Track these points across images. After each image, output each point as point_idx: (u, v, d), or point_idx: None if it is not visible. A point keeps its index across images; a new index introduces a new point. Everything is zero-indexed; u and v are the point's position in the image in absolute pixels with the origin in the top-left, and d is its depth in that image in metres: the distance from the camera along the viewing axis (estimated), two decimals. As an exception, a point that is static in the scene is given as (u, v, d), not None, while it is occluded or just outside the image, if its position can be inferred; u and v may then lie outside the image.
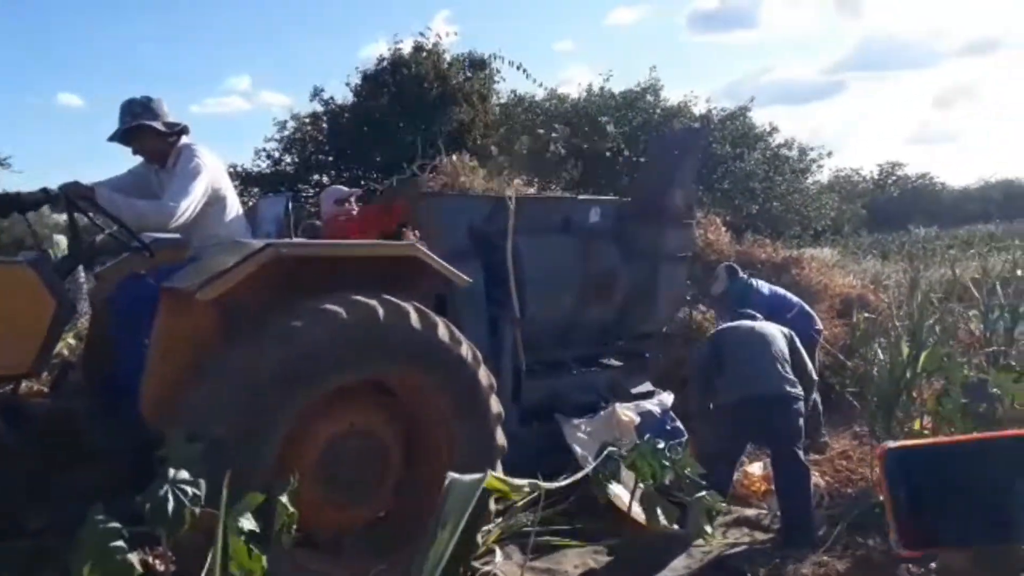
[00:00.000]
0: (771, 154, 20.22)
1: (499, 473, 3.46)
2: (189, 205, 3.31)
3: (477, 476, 1.39)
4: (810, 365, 4.88)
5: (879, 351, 5.54)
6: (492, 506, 3.57)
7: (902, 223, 24.47)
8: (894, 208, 29.55)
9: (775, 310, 6.25)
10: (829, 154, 23.09)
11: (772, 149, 20.46)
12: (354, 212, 4.97)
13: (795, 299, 6.59)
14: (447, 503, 1.35)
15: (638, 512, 3.91)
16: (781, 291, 6.70)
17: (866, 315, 7.00)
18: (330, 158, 18.15)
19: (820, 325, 6.59)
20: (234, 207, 3.66)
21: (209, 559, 2.24)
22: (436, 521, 1.33)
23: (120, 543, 2.35)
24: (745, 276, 6.67)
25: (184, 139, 3.55)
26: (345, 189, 5.53)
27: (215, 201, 3.51)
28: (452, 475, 1.43)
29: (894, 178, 34.73)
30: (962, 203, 31.14)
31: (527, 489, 1.63)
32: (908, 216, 26.41)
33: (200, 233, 3.52)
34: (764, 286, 6.63)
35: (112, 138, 3.53)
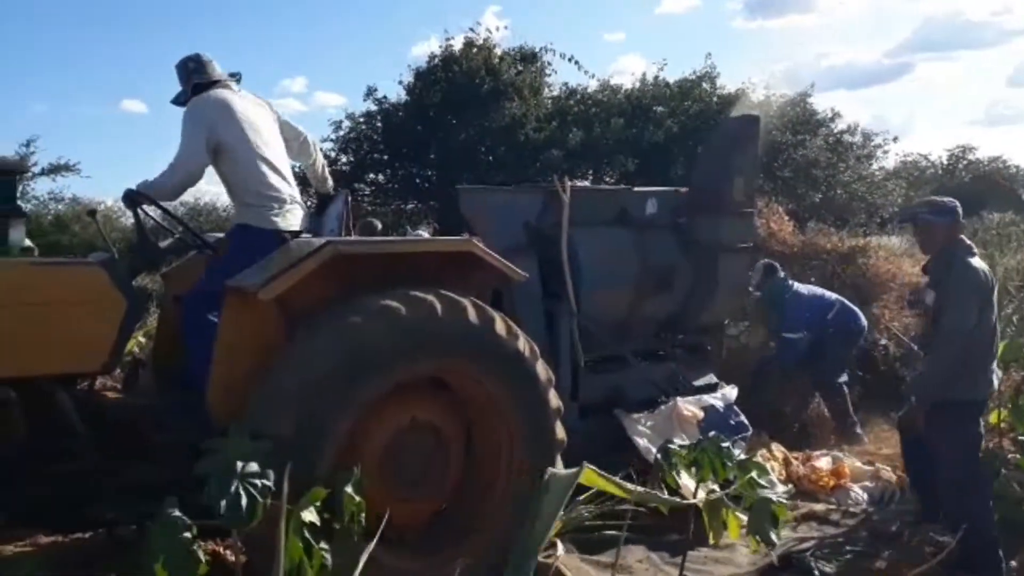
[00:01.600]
0: (834, 140, 19.63)
1: (559, 466, 3.45)
2: (182, 160, 3.50)
3: (575, 470, 1.39)
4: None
5: (952, 341, 5.31)
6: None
7: (975, 209, 23.49)
8: (966, 193, 28.42)
9: (815, 311, 6.16)
10: (895, 139, 22.33)
11: (835, 135, 19.85)
12: None
13: (834, 296, 6.52)
14: (546, 495, 1.35)
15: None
16: (819, 290, 6.63)
17: (937, 304, 6.73)
18: (385, 156, 18.34)
19: (864, 321, 6.47)
20: (245, 155, 3.59)
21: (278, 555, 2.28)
22: (533, 512, 1.34)
23: (189, 535, 2.40)
24: (783, 275, 6.52)
25: (206, 94, 3.64)
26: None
27: (221, 152, 3.57)
28: (552, 470, 1.44)
29: (965, 162, 33.35)
30: (1039, 186, 29.77)
31: (626, 488, 1.61)
32: (981, 201, 25.32)
33: (228, 190, 3.73)
34: (803, 288, 6.56)
35: (176, 101, 3.75)
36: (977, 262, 3.88)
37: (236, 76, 3.87)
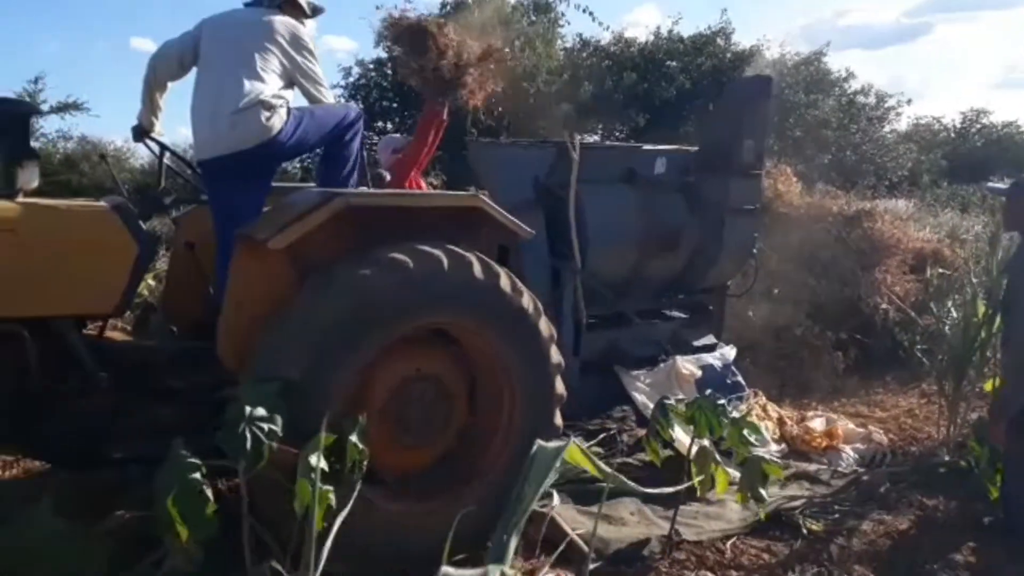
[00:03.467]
0: (847, 101, 19.38)
1: (558, 421, 3.54)
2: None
3: (559, 445, 1.47)
4: None
5: (952, 309, 5.37)
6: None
7: (985, 174, 23.30)
8: (977, 158, 28.08)
9: None
10: (908, 101, 22.03)
11: (848, 96, 19.60)
12: None
13: None
14: (532, 468, 1.44)
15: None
16: None
17: (940, 271, 6.77)
18: (395, 104, 18.14)
19: None
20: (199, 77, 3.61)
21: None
22: (521, 480, 1.44)
23: (198, 475, 2.49)
24: None
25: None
26: (400, 137, 5.55)
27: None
28: (540, 443, 1.52)
29: (978, 126, 32.90)
30: (1052, 153, 29.39)
31: (605, 471, 1.68)
32: (992, 166, 25.06)
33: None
34: None
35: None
36: None
37: None
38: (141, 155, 18.32)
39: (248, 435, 2.53)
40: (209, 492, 2.51)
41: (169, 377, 3.24)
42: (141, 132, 3.79)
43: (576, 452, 1.52)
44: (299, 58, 3.58)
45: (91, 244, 3.12)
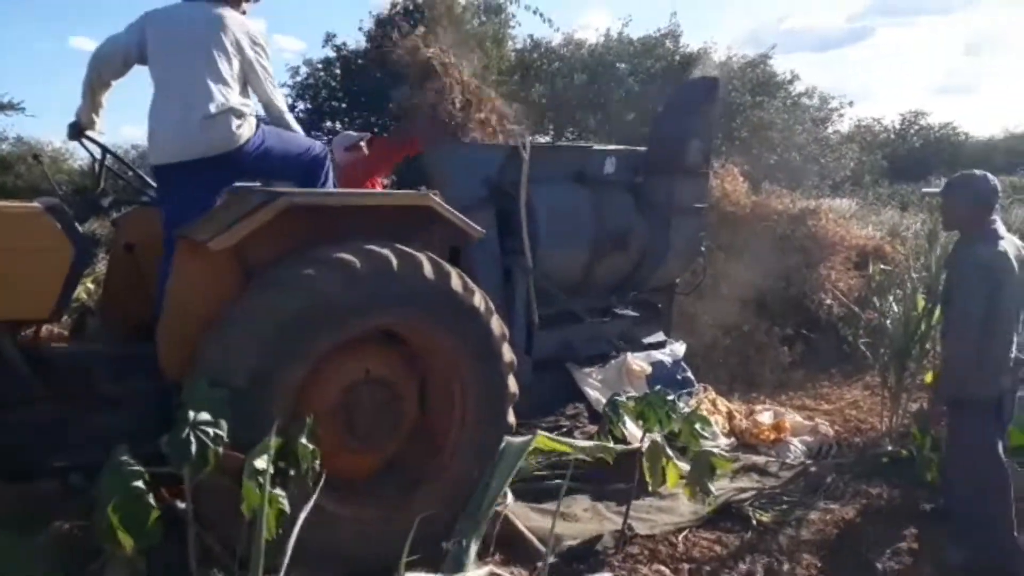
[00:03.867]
0: (791, 103, 19.81)
1: (511, 419, 3.54)
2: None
3: (527, 438, 1.47)
4: None
5: (894, 303, 5.53)
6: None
7: (923, 174, 24.07)
8: (916, 159, 29.03)
9: None
10: (850, 103, 22.69)
11: (792, 98, 20.04)
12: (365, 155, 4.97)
13: None
14: (500, 462, 1.44)
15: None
16: None
17: (882, 267, 6.97)
18: (343, 105, 17.96)
19: None
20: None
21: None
22: (488, 474, 1.44)
23: (140, 483, 2.43)
24: None
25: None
26: (355, 135, 5.50)
27: None
28: (508, 438, 1.52)
29: (916, 128, 33.98)
30: (986, 154, 30.43)
31: (581, 447, 1.69)
32: (930, 167, 25.91)
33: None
34: None
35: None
36: (991, 248, 3.46)
37: None
38: (80, 156, 17.78)
39: (193, 440, 2.47)
40: (152, 499, 2.44)
41: (108, 383, 3.14)
42: (79, 130, 3.66)
43: (545, 440, 1.52)
44: (254, 57, 3.48)
45: (24, 247, 3.00)
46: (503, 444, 1.51)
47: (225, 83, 3.36)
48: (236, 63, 3.42)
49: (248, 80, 3.51)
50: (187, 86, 3.34)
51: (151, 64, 3.47)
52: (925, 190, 5.38)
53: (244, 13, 3.60)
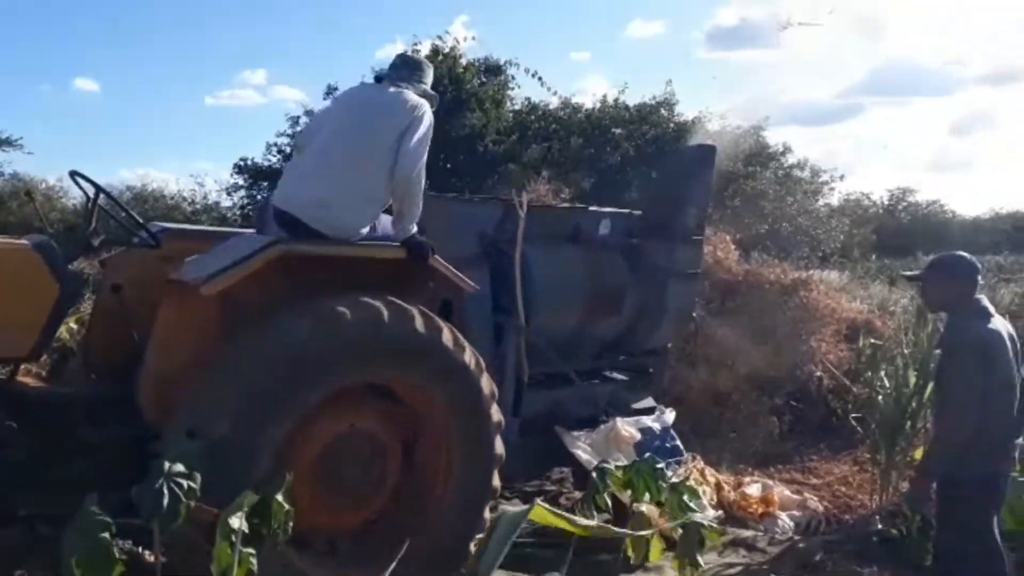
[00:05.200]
0: (783, 174, 20.15)
1: (496, 482, 3.44)
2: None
3: (524, 509, 1.41)
4: None
5: (884, 377, 5.49)
6: (486, 514, 3.53)
7: (911, 250, 24.40)
8: (903, 234, 29.49)
9: None
10: (841, 177, 22.92)
11: (784, 169, 20.40)
12: None
13: None
14: (497, 530, 1.38)
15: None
16: None
17: (872, 340, 6.96)
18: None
19: None
20: None
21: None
22: (486, 540, 1.38)
23: (107, 535, 2.33)
24: None
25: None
26: None
27: None
28: (504, 507, 1.47)
29: (904, 204, 34.63)
30: (973, 233, 30.98)
31: (582, 526, 1.62)
32: (917, 243, 26.29)
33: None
34: None
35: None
36: (982, 325, 3.43)
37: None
38: (73, 195, 17.81)
39: (166, 492, 2.38)
40: (117, 552, 2.34)
41: (85, 427, 3.05)
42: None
43: (543, 512, 1.46)
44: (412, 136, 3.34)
45: (9, 283, 2.95)
46: (497, 514, 1.44)
47: (373, 174, 3.30)
48: (391, 151, 3.30)
49: (399, 155, 3.32)
50: (339, 166, 3.29)
51: (316, 130, 3.53)
52: (904, 274, 5.42)
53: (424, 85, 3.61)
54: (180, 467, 2.41)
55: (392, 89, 3.47)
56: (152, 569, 2.55)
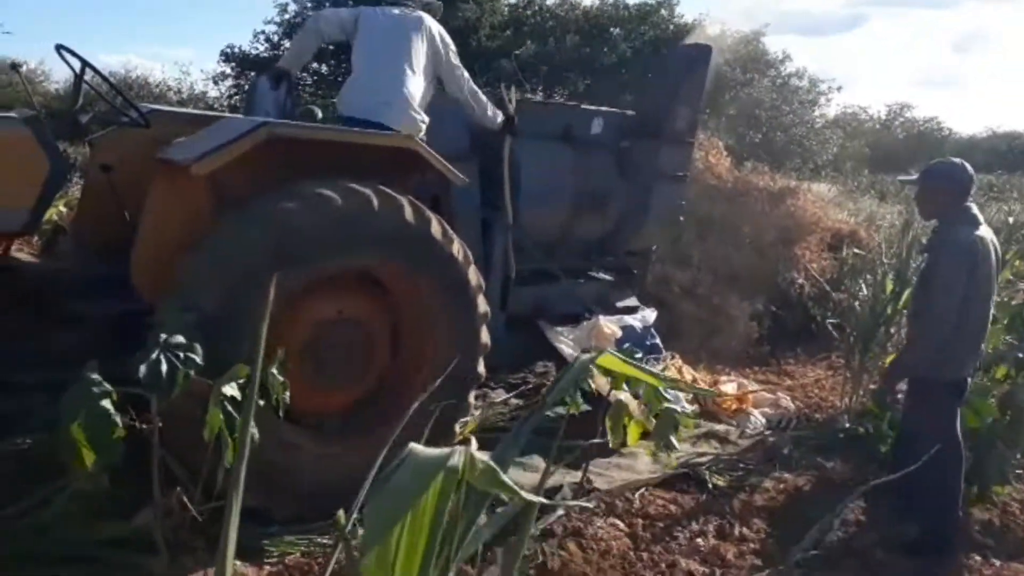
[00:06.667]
0: (781, 83, 19.84)
1: (482, 369, 3.57)
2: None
3: (593, 355, 1.44)
4: None
5: (864, 286, 5.61)
6: (471, 399, 3.68)
7: (904, 166, 24.35)
8: (898, 150, 29.28)
9: None
10: (839, 88, 22.78)
11: (782, 78, 20.07)
12: None
13: None
14: (564, 377, 1.44)
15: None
16: None
17: (856, 251, 7.06)
18: (331, 47, 17.62)
19: None
20: None
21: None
22: (549, 389, 1.44)
23: (107, 403, 2.42)
24: None
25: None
26: None
27: None
28: (579, 354, 1.51)
29: (901, 120, 34.25)
30: (968, 151, 30.84)
31: (655, 375, 1.67)
32: (911, 159, 26.19)
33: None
34: None
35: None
36: (970, 232, 3.52)
37: None
38: (56, 78, 17.32)
39: (164, 362, 2.46)
40: (118, 418, 2.44)
41: (77, 301, 3.11)
42: (283, 74, 4.18)
43: (613, 359, 1.51)
44: (445, 57, 4.17)
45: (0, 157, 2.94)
46: (572, 361, 1.49)
47: (416, 74, 4.01)
48: (431, 61, 4.10)
49: (443, 77, 4.21)
50: (386, 71, 3.95)
51: (357, 45, 4.10)
52: (901, 178, 5.40)
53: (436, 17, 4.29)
54: (179, 338, 2.48)
55: (396, 12, 4.15)
56: (147, 438, 2.66)
